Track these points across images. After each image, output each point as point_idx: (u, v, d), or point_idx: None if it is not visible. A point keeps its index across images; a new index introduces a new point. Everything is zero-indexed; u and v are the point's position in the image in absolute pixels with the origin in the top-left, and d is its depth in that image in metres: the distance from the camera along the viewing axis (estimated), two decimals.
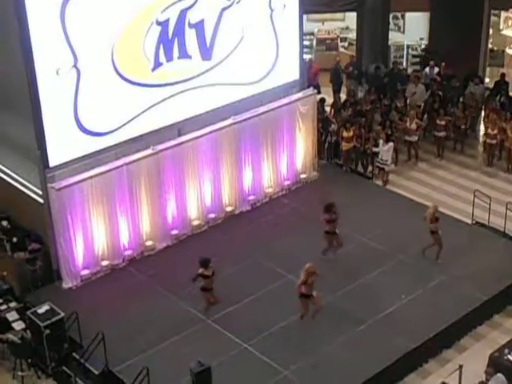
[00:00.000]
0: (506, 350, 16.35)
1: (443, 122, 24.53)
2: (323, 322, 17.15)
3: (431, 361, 17.12)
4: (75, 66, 17.85)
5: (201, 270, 17.33)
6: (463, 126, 24.93)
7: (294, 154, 22.46)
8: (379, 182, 23.33)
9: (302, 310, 17.27)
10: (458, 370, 15.70)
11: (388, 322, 17.54)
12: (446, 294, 18.30)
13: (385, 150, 23.02)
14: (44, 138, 17.85)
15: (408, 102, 26.01)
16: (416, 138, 24.40)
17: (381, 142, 23.10)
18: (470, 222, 21.06)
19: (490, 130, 24.04)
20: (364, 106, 25.28)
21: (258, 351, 16.81)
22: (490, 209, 20.63)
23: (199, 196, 20.66)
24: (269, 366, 16.43)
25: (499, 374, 15.39)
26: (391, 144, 23.16)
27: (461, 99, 25.71)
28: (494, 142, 24.07)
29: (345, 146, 23.33)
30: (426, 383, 16.35)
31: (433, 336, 17.10)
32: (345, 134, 23.24)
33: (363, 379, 16.03)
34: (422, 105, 25.84)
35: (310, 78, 25.04)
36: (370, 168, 23.74)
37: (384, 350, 16.66)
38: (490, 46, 28.24)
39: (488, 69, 28.40)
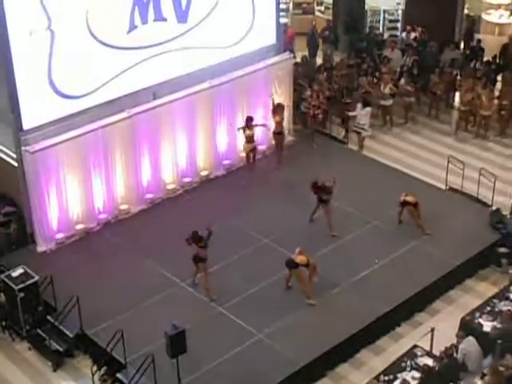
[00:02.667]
0: (477, 314, 16.59)
1: (411, 88, 24.69)
2: (297, 285, 17.24)
3: (404, 324, 17.32)
4: (49, 28, 17.63)
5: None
6: (439, 92, 25.00)
7: (270, 119, 22.41)
8: (354, 147, 23.37)
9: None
10: (429, 333, 15.90)
11: (361, 285, 17.69)
12: (419, 258, 18.48)
13: (362, 114, 23.02)
14: (17, 100, 17.67)
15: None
16: (390, 102, 24.45)
17: (358, 106, 23.09)
18: (443, 187, 21.20)
19: (467, 97, 24.09)
20: (339, 71, 25.22)
21: (233, 314, 16.93)
22: (463, 174, 20.78)
23: (174, 160, 20.62)
24: (243, 330, 16.56)
25: (470, 337, 15.61)
26: (369, 108, 23.15)
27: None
28: (468, 108, 24.16)
29: (245, 147, 21.61)
30: (399, 346, 16.50)
31: (405, 299, 17.28)
32: (247, 132, 21.32)
33: (336, 342, 16.19)
34: (398, 70, 25.85)
35: (285, 42, 24.95)
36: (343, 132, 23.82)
37: (357, 314, 16.82)
38: (466, 11, 28.25)
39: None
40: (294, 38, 27.43)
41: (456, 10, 27.47)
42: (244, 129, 21.19)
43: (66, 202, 18.96)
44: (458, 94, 25.34)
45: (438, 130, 24.59)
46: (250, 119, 21.15)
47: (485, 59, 26.30)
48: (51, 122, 18.30)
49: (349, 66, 25.65)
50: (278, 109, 21.81)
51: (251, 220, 19.70)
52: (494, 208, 20.02)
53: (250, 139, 21.32)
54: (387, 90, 24.22)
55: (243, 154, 21.75)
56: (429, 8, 26.44)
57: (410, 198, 18.99)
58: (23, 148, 18.05)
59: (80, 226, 19.35)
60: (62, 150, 18.43)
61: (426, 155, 23.20)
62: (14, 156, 18.41)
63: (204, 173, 21.47)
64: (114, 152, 19.42)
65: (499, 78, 25.57)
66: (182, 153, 20.81)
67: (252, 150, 21.54)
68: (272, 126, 21.98)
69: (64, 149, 18.45)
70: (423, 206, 19.04)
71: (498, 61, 26.08)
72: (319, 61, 26.90)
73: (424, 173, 21.92)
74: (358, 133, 23.27)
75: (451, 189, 21.12)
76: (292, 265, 17.02)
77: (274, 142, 22.18)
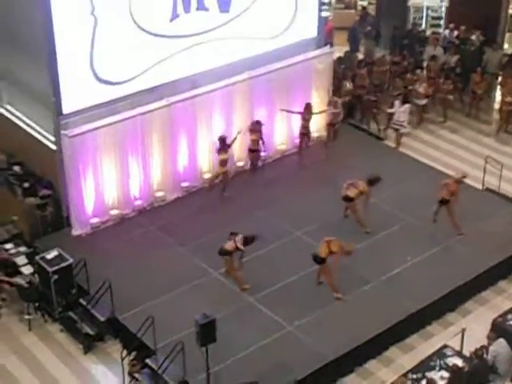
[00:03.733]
0: (510, 316, 16.44)
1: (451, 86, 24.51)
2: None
3: (434, 323, 17.22)
4: (92, 13, 17.76)
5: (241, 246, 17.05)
6: (480, 91, 24.78)
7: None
8: (392, 144, 23.28)
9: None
10: (460, 333, 15.81)
11: (393, 283, 17.63)
12: (452, 257, 18.36)
13: (401, 111, 22.91)
14: (59, 84, 17.84)
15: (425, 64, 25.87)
16: (423, 102, 24.27)
17: (397, 102, 22.98)
18: (480, 187, 21.03)
19: (506, 98, 23.87)
20: (380, 67, 25.11)
21: (264, 306, 16.96)
22: (501, 175, 20.61)
23: (211, 149, 20.67)
24: (273, 321, 16.59)
25: (501, 339, 15.49)
26: (407, 105, 23.04)
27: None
28: (510, 108, 23.93)
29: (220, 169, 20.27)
30: (429, 345, 16.41)
31: (437, 299, 17.19)
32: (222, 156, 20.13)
33: (365, 339, 16.16)
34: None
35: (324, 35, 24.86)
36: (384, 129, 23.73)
37: (388, 311, 16.77)
38: (510, 10, 27.91)
39: (507, 34, 28.12)
40: (333, 31, 27.31)
41: (500, 10, 27.15)
42: (219, 151, 20.06)
43: (103, 187, 19.11)
44: (498, 95, 25.12)
45: (477, 130, 24.40)
46: (223, 141, 20.03)
47: None
48: (91, 108, 18.45)
49: (394, 62, 25.55)
50: (256, 126, 20.95)
51: (285, 213, 19.70)
52: None
53: (223, 162, 20.14)
54: (421, 90, 24.04)
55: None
56: (473, 6, 26.18)
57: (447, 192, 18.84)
58: (62, 132, 18.22)
59: (115, 212, 19.49)
60: (100, 135, 18.58)
61: (464, 155, 23.04)
62: (53, 139, 18.59)
63: (240, 163, 21.49)
64: (152, 139, 19.53)
65: None
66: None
67: (224, 173, 20.24)
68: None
69: (102, 134, 18.60)
70: (459, 205, 18.89)
71: None
72: (360, 56, 26.81)
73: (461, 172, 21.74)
74: (397, 130, 23.17)
75: (488, 189, 20.95)
76: (318, 260, 16.98)
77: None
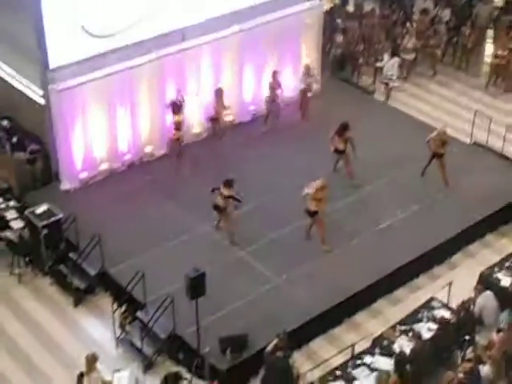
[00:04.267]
0: (496, 269, 16.63)
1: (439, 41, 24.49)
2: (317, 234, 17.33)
3: (422, 276, 17.39)
4: None
5: (224, 191, 17.06)
6: (470, 45, 24.69)
7: (298, 66, 22.27)
8: (381, 98, 23.24)
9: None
10: (447, 286, 15.98)
11: (382, 236, 17.75)
12: (440, 211, 18.47)
13: (390, 65, 22.83)
14: (45, 37, 17.67)
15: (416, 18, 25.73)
16: (412, 56, 24.17)
17: (386, 56, 22.90)
18: (468, 141, 21.07)
19: (499, 51, 23.79)
20: (369, 20, 24.95)
21: (253, 259, 17.07)
22: (489, 129, 20.63)
23: (200, 103, 20.58)
24: (262, 274, 16.71)
25: (488, 292, 15.64)
26: (396, 59, 22.97)
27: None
28: (502, 62, 23.86)
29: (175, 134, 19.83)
30: (416, 297, 16.58)
31: (425, 252, 17.33)
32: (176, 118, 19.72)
33: (354, 291, 16.32)
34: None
35: None
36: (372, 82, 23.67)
37: (376, 264, 16.90)
38: None
39: None
40: None
41: None
42: (173, 114, 19.63)
43: (91, 141, 19.06)
44: (488, 48, 25.04)
45: (466, 84, 24.37)
46: (178, 104, 19.59)
47: None
48: (78, 61, 18.30)
49: (383, 16, 25.40)
50: (217, 93, 20.37)
51: (274, 166, 19.73)
52: None
53: (178, 126, 19.74)
54: (410, 45, 23.87)
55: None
56: None
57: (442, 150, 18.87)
58: (50, 86, 18.11)
59: (104, 166, 19.48)
60: (88, 89, 18.47)
61: (453, 108, 23.04)
62: (41, 94, 18.47)
63: (229, 118, 21.44)
64: (141, 93, 19.44)
65: None
66: (209, 96, 20.75)
67: (179, 139, 19.85)
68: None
69: (91, 88, 18.50)
70: (448, 159, 18.94)
71: None
72: (350, 9, 26.62)
73: (450, 126, 21.65)
74: (386, 83, 23.12)
75: (476, 143, 20.99)
76: (311, 214, 17.08)
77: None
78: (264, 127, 21.22)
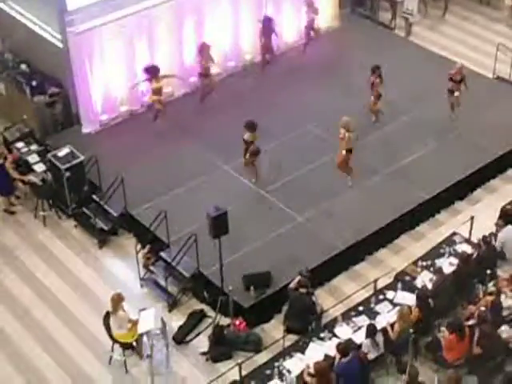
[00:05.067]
0: None
1: None
2: (340, 172, 17.30)
3: (443, 211, 17.40)
4: None
5: (247, 136, 17.05)
6: None
7: (317, 2, 21.98)
8: (401, 33, 22.97)
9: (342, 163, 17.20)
10: (469, 221, 15.98)
11: (403, 173, 17.72)
12: (462, 147, 18.38)
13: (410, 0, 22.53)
14: None
15: None
16: None
17: None
18: (491, 76, 20.84)
19: None
20: None
21: (275, 198, 17.13)
22: None
23: (218, 43, 20.44)
24: (284, 213, 16.79)
25: (510, 226, 15.66)
26: None
27: None
28: None
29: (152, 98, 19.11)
30: (438, 233, 16.63)
31: (446, 187, 17.31)
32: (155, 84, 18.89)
33: (376, 227, 16.37)
34: None
35: None
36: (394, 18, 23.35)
37: (397, 200, 16.92)
38: None
39: None
40: None
41: None
42: (150, 80, 18.80)
43: (111, 83, 19.03)
44: None
45: (488, 17, 24.00)
46: (156, 69, 18.80)
47: None
48: (96, 3, 18.17)
49: None
50: (203, 49, 19.56)
51: (295, 105, 19.65)
52: None
53: (157, 91, 18.93)
54: None
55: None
56: None
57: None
58: (68, 29, 18.04)
59: (124, 108, 19.49)
60: (106, 31, 18.40)
61: (475, 42, 22.75)
62: (59, 37, 18.42)
63: (248, 56, 21.31)
64: (159, 34, 19.33)
65: None
66: (226, 36, 20.61)
67: (159, 102, 19.02)
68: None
69: (108, 30, 18.42)
70: (470, 94, 18.74)
71: None
72: None
73: (472, 60, 21.52)
74: (406, 18, 22.83)
75: (499, 77, 20.76)
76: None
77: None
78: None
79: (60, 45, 18.48)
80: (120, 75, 19.11)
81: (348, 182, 17.28)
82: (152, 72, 18.79)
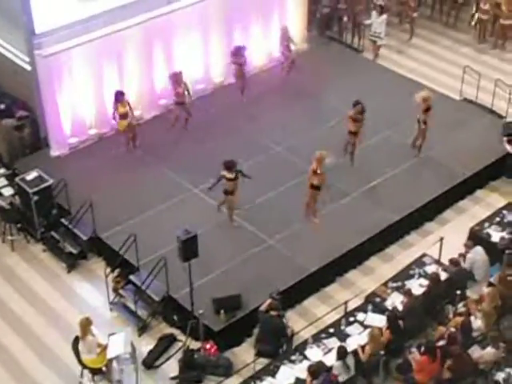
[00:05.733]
0: (486, 224, 16.73)
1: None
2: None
3: (413, 233, 17.49)
4: None
5: (224, 173, 16.45)
6: (460, 0, 24.55)
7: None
8: (370, 56, 23.16)
9: (308, 200, 16.93)
10: (438, 242, 16.07)
11: (372, 194, 17.80)
12: (431, 168, 18.51)
13: (378, 22, 22.72)
14: (30, 3, 17.51)
15: None
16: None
17: (374, 13, 22.76)
18: (458, 97, 21.05)
19: (481, 5, 23.70)
20: None
21: (245, 221, 17.11)
22: (478, 85, 20.61)
23: (188, 66, 20.47)
24: (254, 236, 16.76)
25: (478, 247, 15.76)
26: (384, 16, 22.84)
27: None
28: (485, 17, 23.78)
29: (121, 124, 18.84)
30: (408, 254, 16.68)
31: (415, 209, 17.40)
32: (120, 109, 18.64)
33: (346, 249, 16.40)
34: None
35: None
36: (362, 41, 23.55)
37: (367, 222, 16.98)
38: None
39: None
40: None
41: None
42: (116, 105, 18.55)
43: (80, 106, 18.97)
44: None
45: (455, 40, 24.27)
46: (120, 94, 18.57)
47: None
48: (64, 26, 18.14)
49: None
50: (178, 77, 19.31)
51: (265, 128, 19.69)
52: (507, 119, 19.91)
53: (124, 115, 18.70)
54: (380, 1, 23.45)
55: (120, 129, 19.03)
56: None
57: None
58: (36, 52, 17.99)
59: (93, 131, 19.43)
60: (75, 54, 18.37)
61: (442, 65, 22.97)
62: (27, 60, 18.35)
63: (218, 79, 21.36)
64: (128, 57, 19.34)
65: None
66: (196, 59, 20.65)
67: (129, 126, 18.86)
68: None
69: (77, 53, 18.39)
70: (437, 116, 18.90)
71: None
72: None
73: (439, 83, 21.73)
74: (374, 41, 23.03)
75: (466, 99, 20.98)
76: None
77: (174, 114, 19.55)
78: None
79: (28, 68, 18.40)
80: (89, 98, 19.05)
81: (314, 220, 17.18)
82: (116, 97, 18.56)
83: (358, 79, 21.13)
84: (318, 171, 16.50)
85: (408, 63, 23.04)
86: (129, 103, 18.76)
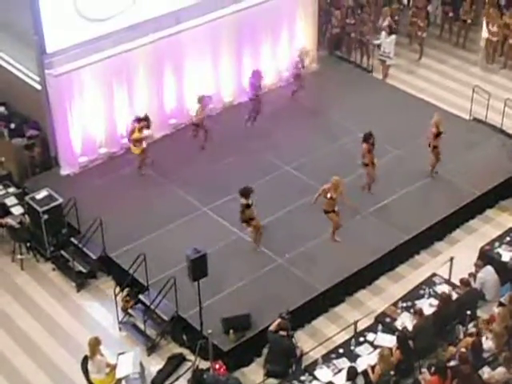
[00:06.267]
0: (497, 244, 16.65)
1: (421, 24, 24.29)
2: (318, 212, 17.23)
3: (423, 252, 17.42)
4: None
5: (242, 201, 16.28)
6: (469, 21, 24.60)
7: (295, 45, 22.21)
8: (379, 76, 23.19)
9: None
10: (449, 262, 16.01)
11: (382, 213, 17.76)
12: (441, 187, 18.47)
13: (387, 42, 22.78)
14: (41, 23, 17.66)
15: None
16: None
17: (383, 33, 22.82)
18: (468, 117, 21.04)
19: (490, 27, 23.73)
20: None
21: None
22: (488, 105, 20.60)
23: (197, 85, 20.54)
24: (264, 254, 16.73)
25: (489, 266, 15.70)
26: (394, 36, 22.89)
27: None
28: (494, 38, 23.79)
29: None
30: (418, 274, 16.61)
31: (426, 228, 17.35)
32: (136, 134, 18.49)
33: (356, 269, 16.34)
34: None
35: None
36: (371, 61, 23.59)
37: (377, 241, 16.93)
38: None
39: None
40: None
41: None
42: (132, 131, 18.48)
43: (90, 125, 19.04)
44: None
45: (465, 60, 24.29)
46: (137, 120, 18.51)
47: None
48: (75, 46, 18.26)
49: None
50: (209, 101, 19.42)
51: (274, 147, 19.70)
52: None
53: (138, 141, 18.54)
54: (385, 23, 23.37)
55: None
56: None
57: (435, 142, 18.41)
58: (47, 71, 18.09)
59: (103, 150, 19.48)
60: (85, 73, 18.46)
61: (452, 85, 22.98)
62: (38, 79, 18.44)
63: (228, 99, 21.41)
64: (138, 76, 19.42)
65: None
66: (206, 78, 20.71)
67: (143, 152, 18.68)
68: None
69: (87, 72, 18.48)
70: (447, 136, 18.86)
71: None
72: None
73: (449, 103, 21.74)
74: (383, 61, 23.07)
75: (475, 119, 20.97)
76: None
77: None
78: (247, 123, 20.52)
79: (39, 87, 18.49)
80: (99, 117, 19.12)
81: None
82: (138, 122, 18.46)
83: (367, 98, 21.16)
84: (328, 195, 16.49)
85: (418, 83, 23.05)
86: (143, 128, 18.42)
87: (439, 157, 18.56)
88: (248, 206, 16.34)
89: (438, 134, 18.29)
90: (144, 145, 18.62)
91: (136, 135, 18.53)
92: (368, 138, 17.70)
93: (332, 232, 17.00)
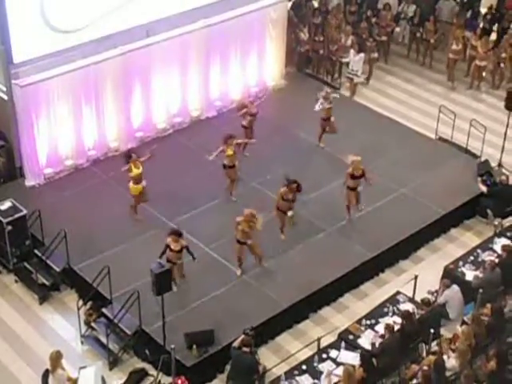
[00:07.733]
0: (461, 263, 16.78)
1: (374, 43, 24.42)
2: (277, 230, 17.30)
3: (387, 270, 17.50)
4: None
5: (168, 240, 15.71)
6: (433, 40, 24.89)
7: (263, 61, 22.31)
8: (347, 93, 23.33)
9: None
10: (413, 280, 16.09)
11: (346, 231, 17.83)
12: (405, 206, 18.59)
13: (355, 61, 22.95)
14: (8, 32, 17.50)
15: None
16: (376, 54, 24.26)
17: (351, 52, 22.99)
18: (433, 136, 21.23)
19: (454, 46, 24.00)
20: (336, 16, 24.98)
21: (218, 255, 17.05)
22: (453, 125, 20.81)
23: (165, 99, 20.54)
24: (228, 269, 16.70)
25: (455, 285, 15.81)
26: (362, 55, 23.09)
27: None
28: (457, 57, 24.08)
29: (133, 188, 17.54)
30: (382, 292, 16.68)
31: (390, 246, 17.44)
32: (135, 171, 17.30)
33: (320, 285, 16.37)
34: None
35: None
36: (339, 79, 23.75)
37: (341, 258, 16.99)
38: None
39: None
40: None
41: None
42: (130, 167, 17.42)
43: (56, 137, 18.92)
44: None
45: (431, 79, 24.54)
46: (129, 155, 17.59)
47: (481, 9, 26.12)
48: (43, 57, 18.14)
49: (350, 12, 25.56)
50: (230, 140, 18.11)
51: (240, 162, 19.65)
52: (482, 159, 20.11)
53: (137, 179, 17.58)
54: (348, 42, 23.61)
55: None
56: None
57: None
58: (13, 81, 17.95)
59: (69, 162, 19.35)
60: (52, 84, 18.34)
61: (418, 104, 23.19)
62: (4, 89, 18.29)
63: (195, 113, 21.41)
64: (106, 89, 19.34)
65: (494, 28, 25.42)
66: (174, 92, 20.72)
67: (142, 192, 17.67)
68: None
69: (55, 84, 18.37)
70: (412, 154, 19.01)
71: (493, 11, 25.81)
72: (316, 4, 26.63)
73: (415, 121, 21.95)
74: (351, 79, 23.23)
75: (441, 138, 21.16)
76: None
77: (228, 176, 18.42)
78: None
79: (5, 97, 18.34)
80: (66, 129, 19.00)
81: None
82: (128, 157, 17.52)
83: (335, 116, 21.21)
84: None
85: (385, 101, 23.24)
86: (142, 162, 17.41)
87: (359, 198, 18.01)
88: (174, 251, 15.66)
89: (356, 176, 17.67)
90: (144, 183, 17.62)
91: (135, 172, 17.45)
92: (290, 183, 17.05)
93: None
